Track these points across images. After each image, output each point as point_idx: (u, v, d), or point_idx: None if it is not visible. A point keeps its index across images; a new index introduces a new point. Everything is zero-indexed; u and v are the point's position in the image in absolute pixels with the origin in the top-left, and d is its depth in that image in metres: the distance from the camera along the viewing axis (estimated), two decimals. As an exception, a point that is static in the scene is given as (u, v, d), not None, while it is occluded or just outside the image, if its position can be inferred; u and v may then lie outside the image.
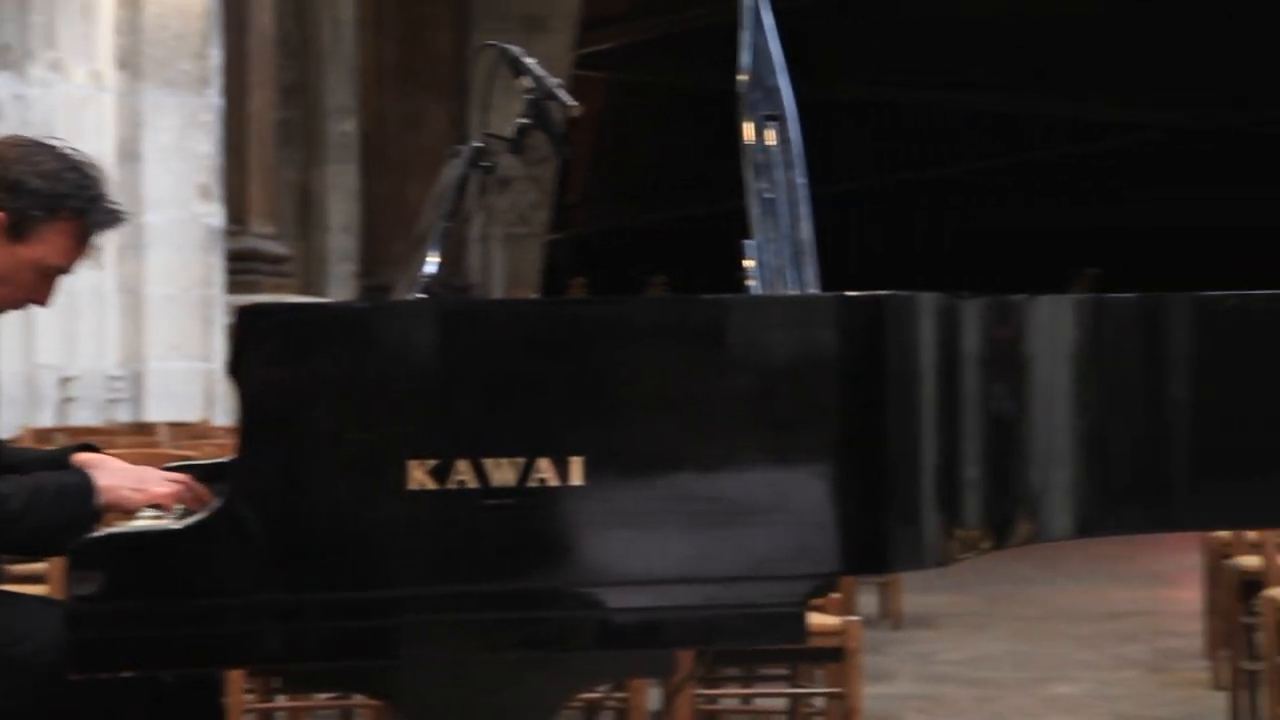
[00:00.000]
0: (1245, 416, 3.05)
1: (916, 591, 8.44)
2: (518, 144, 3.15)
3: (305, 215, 15.53)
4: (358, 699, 4.86)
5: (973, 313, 2.82)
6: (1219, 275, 3.31)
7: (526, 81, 3.14)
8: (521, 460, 2.55)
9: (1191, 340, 3.05)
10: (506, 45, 3.26)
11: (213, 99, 10.78)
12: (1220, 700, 6.10)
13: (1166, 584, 9.39)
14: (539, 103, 3.12)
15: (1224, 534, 6.27)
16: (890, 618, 8.12)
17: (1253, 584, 5.62)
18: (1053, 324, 2.96)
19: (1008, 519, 2.90)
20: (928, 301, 2.72)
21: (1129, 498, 3.04)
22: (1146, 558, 10.07)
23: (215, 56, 10.82)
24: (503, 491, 2.55)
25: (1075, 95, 3.93)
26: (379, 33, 16.38)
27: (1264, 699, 5.26)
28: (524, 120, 3.14)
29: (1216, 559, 6.40)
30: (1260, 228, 3.99)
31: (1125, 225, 4.03)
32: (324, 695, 4.84)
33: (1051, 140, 4.00)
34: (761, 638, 2.70)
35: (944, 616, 8.48)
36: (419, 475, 2.54)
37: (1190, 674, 6.88)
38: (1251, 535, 5.94)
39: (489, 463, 2.55)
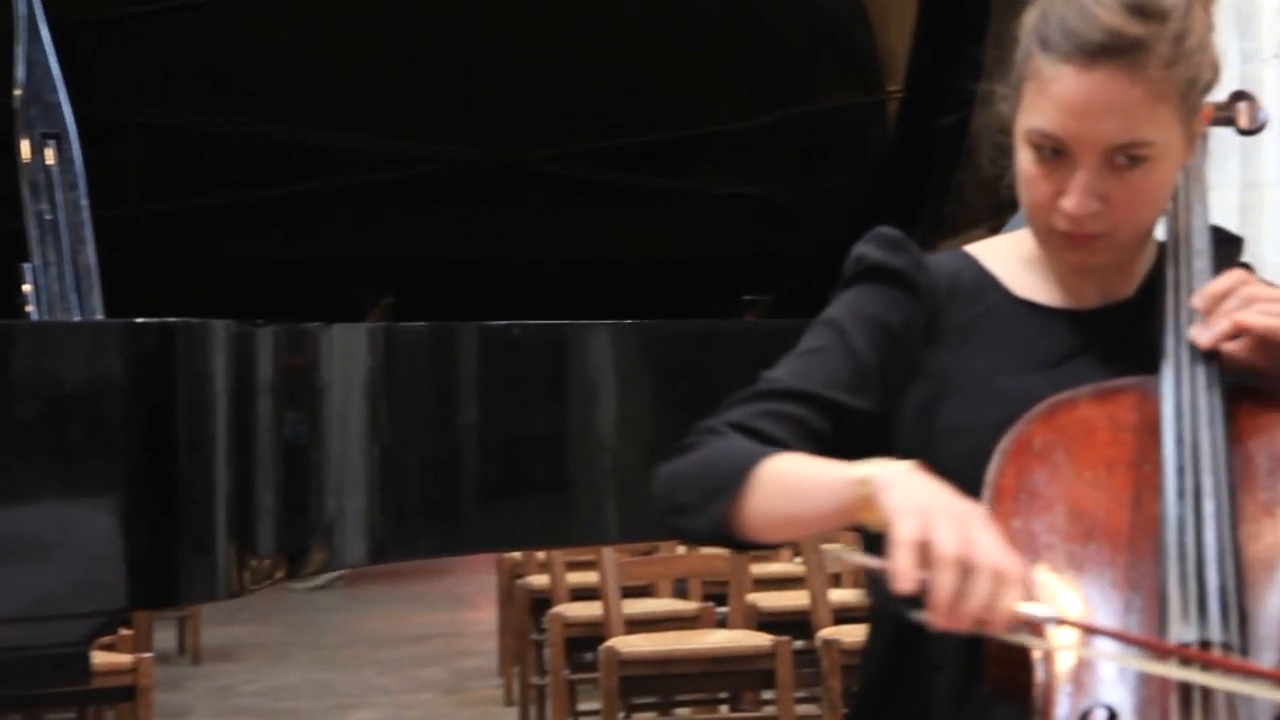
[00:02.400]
0: (527, 440, 3.19)
1: (217, 624, 8.32)
2: None
3: None
4: None
5: (266, 341, 2.80)
6: (507, 304, 3.45)
7: None
8: None
9: (478, 367, 3.15)
10: None
11: None
12: (512, 715, 6.36)
13: (465, 605, 9.70)
14: None
15: (517, 555, 6.54)
16: (189, 652, 7.96)
17: (542, 602, 5.88)
18: (346, 352, 2.99)
19: (302, 547, 2.91)
20: (219, 329, 2.69)
21: (422, 522, 3.11)
22: (448, 580, 10.35)
23: None
24: None
25: (365, 126, 3.99)
26: None
27: (550, 711, 5.52)
28: None
29: (510, 579, 6.66)
30: (541, 257, 4.19)
31: (418, 254, 4.13)
32: None
33: (340, 170, 4.04)
34: (45, 680, 2.58)
35: (245, 648, 8.39)
36: None
37: (484, 691, 7.12)
38: (541, 555, 6.23)
39: None
